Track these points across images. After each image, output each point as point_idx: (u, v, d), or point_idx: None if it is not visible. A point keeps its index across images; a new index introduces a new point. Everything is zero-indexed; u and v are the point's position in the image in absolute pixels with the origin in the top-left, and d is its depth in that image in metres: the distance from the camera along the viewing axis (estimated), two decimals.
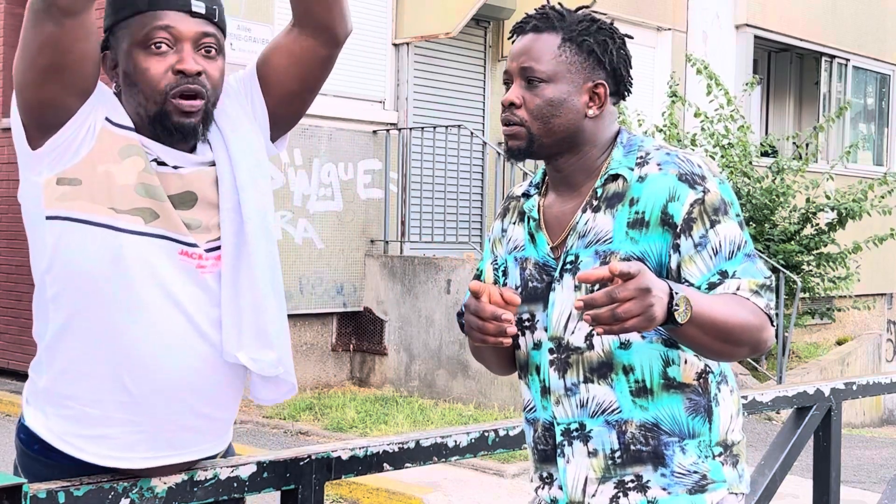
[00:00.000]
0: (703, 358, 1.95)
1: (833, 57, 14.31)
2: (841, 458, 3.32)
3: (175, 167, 1.91)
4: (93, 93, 1.87)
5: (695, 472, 1.93)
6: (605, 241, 1.92)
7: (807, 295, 11.06)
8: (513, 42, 2.02)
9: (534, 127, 1.95)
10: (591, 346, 1.94)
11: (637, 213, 1.90)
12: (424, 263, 9.06)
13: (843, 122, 13.90)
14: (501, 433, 2.52)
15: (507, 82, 2.01)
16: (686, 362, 1.94)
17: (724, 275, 1.86)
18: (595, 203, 1.95)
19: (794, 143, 13.32)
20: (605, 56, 1.97)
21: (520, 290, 2.03)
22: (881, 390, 3.58)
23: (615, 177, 1.95)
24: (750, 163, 10.80)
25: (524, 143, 1.97)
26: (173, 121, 1.86)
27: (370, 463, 2.29)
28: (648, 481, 1.93)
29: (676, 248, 1.87)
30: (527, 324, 2.02)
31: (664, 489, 1.92)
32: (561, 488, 2.01)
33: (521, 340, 2.04)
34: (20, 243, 9.78)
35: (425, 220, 9.81)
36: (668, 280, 1.83)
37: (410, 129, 9.68)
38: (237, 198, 1.94)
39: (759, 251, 10.20)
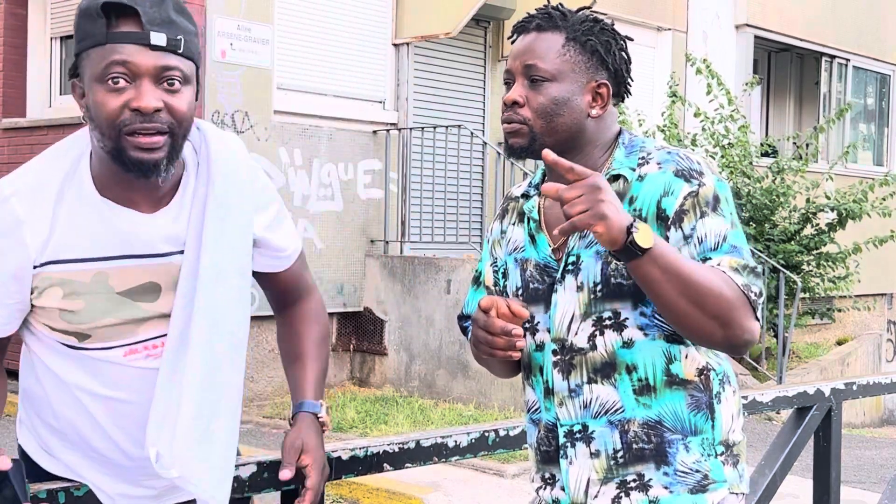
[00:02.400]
0: (704, 354, 1.95)
1: (833, 57, 14.31)
2: (841, 458, 3.32)
3: (141, 255, 1.84)
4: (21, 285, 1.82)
5: (697, 472, 1.93)
6: None
7: (807, 295, 11.05)
8: (513, 41, 2.01)
9: (536, 125, 1.93)
10: (594, 347, 1.93)
11: (635, 210, 1.89)
12: (424, 263, 9.06)
13: (843, 122, 13.90)
14: (501, 433, 2.52)
15: (509, 82, 1.99)
16: (687, 357, 1.93)
17: (705, 261, 1.83)
18: None
19: (794, 143, 13.32)
20: (608, 56, 1.96)
21: (521, 291, 2.02)
22: (881, 390, 3.57)
23: (616, 177, 1.94)
24: (750, 163, 10.79)
25: (526, 141, 1.95)
26: (130, 156, 1.75)
27: (370, 463, 2.29)
28: (650, 480, 1.92)
29: (666, 240, 1.85)
30: (528, 325, 2.00)
31: (666, 488, 1.92)
32: (563, 489, 2.00)
33: (526, 341, 2.02)
34: None
35: (425, 220, 9.81)
36: None
37: (410, 129, 9.67)
38: (193, 288, 1.85)
39: (759, 251, 10.20)
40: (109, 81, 1.73)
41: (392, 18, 9.80)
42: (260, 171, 2.02)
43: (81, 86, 1.80)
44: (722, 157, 10.80)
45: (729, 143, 10.84)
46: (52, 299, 1.83)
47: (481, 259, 2.19)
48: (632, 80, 2.03)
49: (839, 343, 12.93)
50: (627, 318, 1.90)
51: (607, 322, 1.91)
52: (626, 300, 1.90)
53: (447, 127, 9.65)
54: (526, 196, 2.08)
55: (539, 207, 2.04)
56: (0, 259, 1.78)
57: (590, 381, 1.93)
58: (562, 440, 1.98)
